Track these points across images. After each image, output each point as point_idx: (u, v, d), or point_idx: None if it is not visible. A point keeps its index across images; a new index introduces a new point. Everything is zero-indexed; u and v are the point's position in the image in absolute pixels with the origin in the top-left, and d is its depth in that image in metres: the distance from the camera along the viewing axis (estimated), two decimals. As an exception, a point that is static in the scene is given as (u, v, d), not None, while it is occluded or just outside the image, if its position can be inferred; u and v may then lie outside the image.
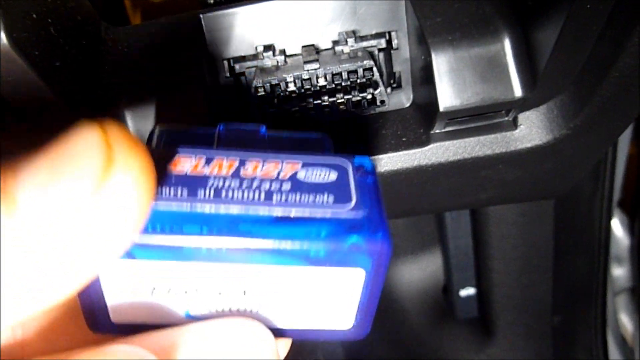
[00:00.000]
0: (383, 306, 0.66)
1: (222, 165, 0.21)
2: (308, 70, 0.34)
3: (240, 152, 0.22)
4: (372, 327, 0.24)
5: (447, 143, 0.36)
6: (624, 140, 0.63)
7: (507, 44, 0.33)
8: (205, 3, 0.37)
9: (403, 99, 0.38)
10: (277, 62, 0.35)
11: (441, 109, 0.34)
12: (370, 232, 0.20)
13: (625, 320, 0.75)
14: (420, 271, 0.64)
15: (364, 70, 0.34)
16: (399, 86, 0.37)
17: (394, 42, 0.36)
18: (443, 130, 0.36)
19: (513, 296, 0.58)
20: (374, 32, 0.36)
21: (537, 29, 0.32)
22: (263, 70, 0.35)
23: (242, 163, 0.22)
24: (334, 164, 0.22)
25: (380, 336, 0.65)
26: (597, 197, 0.56)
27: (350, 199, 0.21)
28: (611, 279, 0.70)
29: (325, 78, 0.34)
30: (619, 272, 0.72)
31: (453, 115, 0.34)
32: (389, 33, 0.36)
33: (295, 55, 0.36)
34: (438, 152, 0.36)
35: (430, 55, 0.33)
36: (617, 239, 0.71)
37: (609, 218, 0.57)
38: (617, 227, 0.71)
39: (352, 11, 0.35)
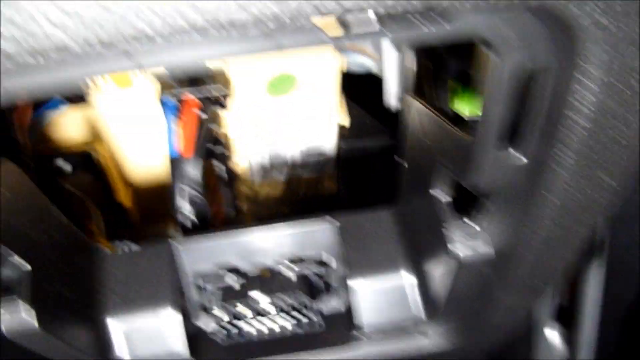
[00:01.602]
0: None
1: None
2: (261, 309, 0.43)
3: None
4: None
5: (368, 346, 0.45)
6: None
7: (412, 281, 0.42)
8: (185, 228, 0.47)
9: (341, 305, 0.47)
10: (238, 281, 0.44)
11: (359, 325, 0.43)
12: None
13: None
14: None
15: (300, 301, 0.43)
16: (337, 295, 0.47)
17: (332, 264, 0.45)
18: (364, 336, 0.45)
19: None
20: (314, 258, 0.45)
21: (434, 278, 0.41)
22: (226, 289, 0.44)
23: None
24: None
25: None
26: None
27: None
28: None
29: (271, 304, 0.43)
30: (559, 381, 0.80)
31: (370, 328, 0.44)
32: (328, 257, 0.45)
33: (249, 276, 0.45)
34: (359, 352, 0.45)
35: (349, 284, 0.42)
36: (556, 351, 0.79)
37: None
38: (556, 338, 0.79)
39: (299, 241, 0.45)
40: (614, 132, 0.25)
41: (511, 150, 0.27)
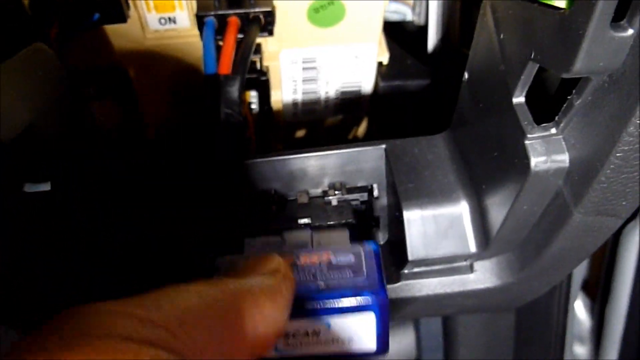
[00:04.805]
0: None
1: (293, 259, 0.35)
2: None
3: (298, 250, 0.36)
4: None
5: (413, 282, 0.43)
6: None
7: (465, 210, 0.40)
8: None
9: (380, 237, 0.44)
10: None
11: (410, 258, 0.40)
12: (374, 292, 0.33)
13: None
14: (395, 344, 0.71)
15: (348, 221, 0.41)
16: (377, 227, 0.44)
17: (375, 193, 0.43)
18: (411, 271, 0.42)
19: (477, 378, 0.65)
20: (358, 185, 0.43)
21: (491, 204, 0.38)
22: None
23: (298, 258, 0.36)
24: (352, 250, 0.36)
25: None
26: (555, 295, 0.63)
27: (363, 273, 0.34)
28: (573, 356, 0.77)
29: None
30: (581, 350, 0.78)
31: (419, 263, 0.41)
32: (371, 185, 0.43)
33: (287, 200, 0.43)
34: (406, 288, 0.43)
35: (402, 214, 0.40)
36: (580, 320, 0.78)
37: (565, 314, 0.64)
38: (580, 308, 0.78)
39: (341, 168, 0.42)
40: None
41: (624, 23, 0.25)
